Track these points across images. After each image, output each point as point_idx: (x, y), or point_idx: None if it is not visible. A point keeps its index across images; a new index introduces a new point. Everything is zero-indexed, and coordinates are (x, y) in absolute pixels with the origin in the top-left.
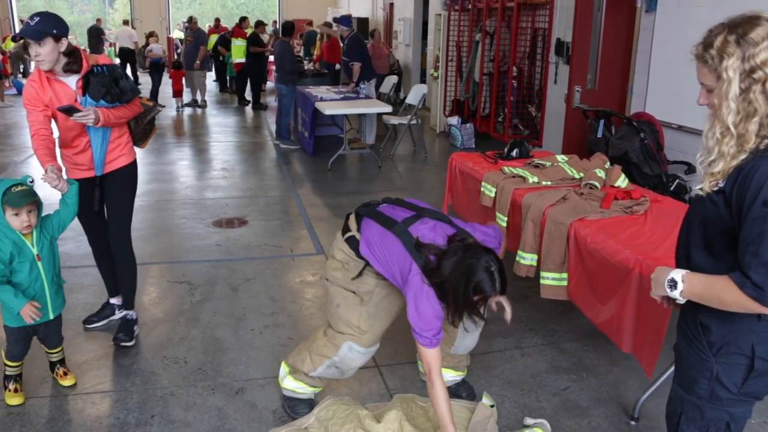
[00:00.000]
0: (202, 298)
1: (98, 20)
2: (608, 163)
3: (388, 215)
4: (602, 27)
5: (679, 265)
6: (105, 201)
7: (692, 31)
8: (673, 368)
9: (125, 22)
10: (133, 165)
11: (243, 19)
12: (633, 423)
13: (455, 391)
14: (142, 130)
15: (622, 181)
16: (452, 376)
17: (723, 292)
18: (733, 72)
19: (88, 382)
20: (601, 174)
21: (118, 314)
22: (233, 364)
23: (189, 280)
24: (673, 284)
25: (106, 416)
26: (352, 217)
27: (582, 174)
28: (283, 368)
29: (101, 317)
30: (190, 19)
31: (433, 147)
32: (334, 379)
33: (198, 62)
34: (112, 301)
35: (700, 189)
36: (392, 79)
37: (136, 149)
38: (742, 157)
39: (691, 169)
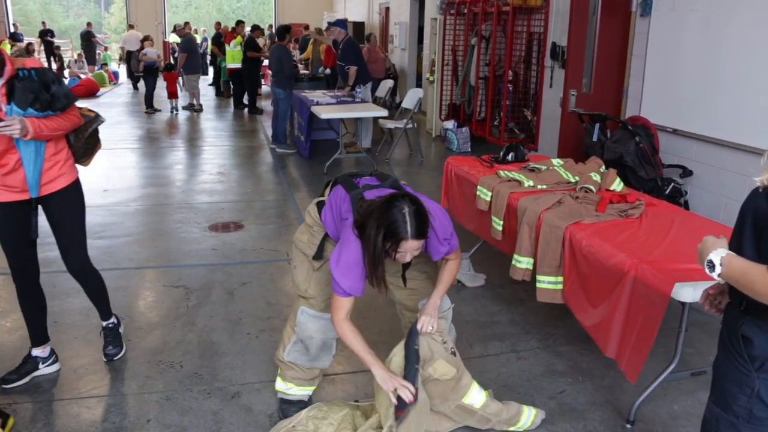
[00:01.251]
0: (197, 303)
1: (89, 24)
2: (603, 167)
3: (356, 182)
4: (597, 31)
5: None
6: (52, 229)
7: (687, 35)
8: (668, 371)
9: (131, 26)
10: (75, 185)
11: (239, 23)
12: (628, 426)
13: None
14: (83, 144)
15: (618, 185)
16: None
17: (757, 281)
18: None
19: (84, 387)
20: (597, 178)
21: (43, 368)
22: (229, 369)
23: (185, 284)
24: (712, 266)
25: (101, 421)
26: (331, 184)
27: (577, 178)
28: (279, 370)
29: (22, 374)
30: (185, 24)
31: (429, 151)
32: (310, 368)
33: (179, 69)
34: (35, 352)
35: (759, 180)
36: (388, 83)
37: (79, 167)
38: None
39: (686, 172)
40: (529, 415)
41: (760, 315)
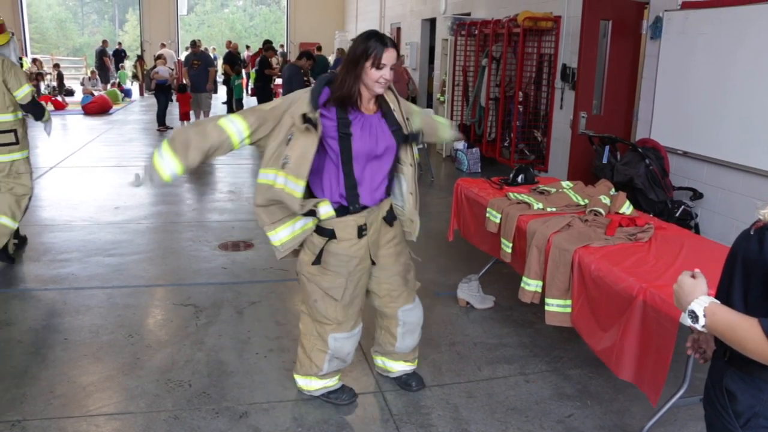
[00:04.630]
0: (207, 321)
1: (104, 42)
2: (613, 190)
3: None
4: (608, 53)
5: (719, 299)
6: None
7: (697, 58)
8: (677, 396)
9: (163, 45)
10: None
11: (268, 46)
12: None
13: (406, 381)
14: None
15: (627, 208)
16: (403, 366)
17: (747, 338)
18: None
19: (93, 405)
20: (606, 200)
21: None
22: (238, 388)
23: (194, 302)
24: (694, 317)
25: None
26: None
27: (587, 200)
28: (297, 380)
29: None
30: (194, 43)
31: (440, 171)
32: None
33: (210, 83)
34: None
35: (762, 214)
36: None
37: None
38: None
39: (696, 195)
40: None
41: (744, 367)
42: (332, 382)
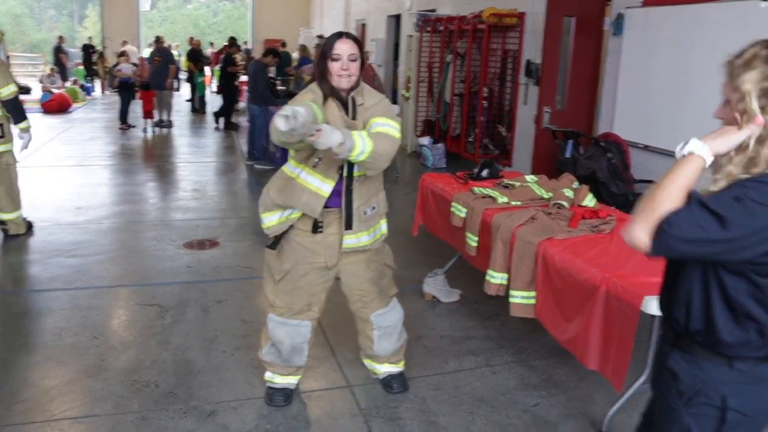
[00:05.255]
0: (172, 321)
1: (60, 38)
2: (576, 183)
3: None
4: (571, 49)
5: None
6: None
7: (657, 54)
8: (639, 383)
9: (125, 42)
10: None
11: (232, 42)
12: None
13: (388, 383)
14: None
15: (590, 201)
16: (388, 368)
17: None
18: (751, 85)
19: (57, 409)
20: (569, 194)
21: None
22: (205, 387)
23: (159, 302)
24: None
25: None
26: None
27: (550, 194)
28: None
29: None
30: (157, 39)
31: (405, 167)
32: (287, 366)
33: (170, 81)
34: None
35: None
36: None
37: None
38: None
39: None
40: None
41: (687, 348)
42: (293, 380)
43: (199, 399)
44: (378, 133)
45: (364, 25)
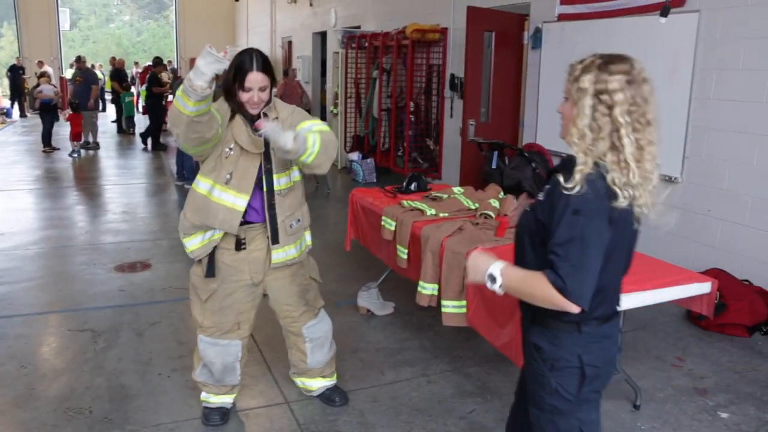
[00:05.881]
0: (105, 345)
1: None
2: (502, 193)
3: None
4: (492, 63)
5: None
6: None
7: None
8: None
9: (41, 63)
10: None
11: (157, 62)
12: None
13: (329, 397)
14: None
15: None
16: (322, 382)
17: (535, 287)
18: (588, 84)
19: None
20: (496, 204)
21: None
22: (141, 411)
23: (91, 327)
24: (493, 279)
25: None
26: None
27: (477, 204)
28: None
29: None
30: (78, 59)
31: (336, 183)
32: (221, 386)
33: (91, 101)
34: None
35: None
36: None
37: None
38: (589, 169)
39: None
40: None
41: (543, 324)
42: (229, 399)
43: (135, 423)
44: (316, 132)
45: (290, 42)
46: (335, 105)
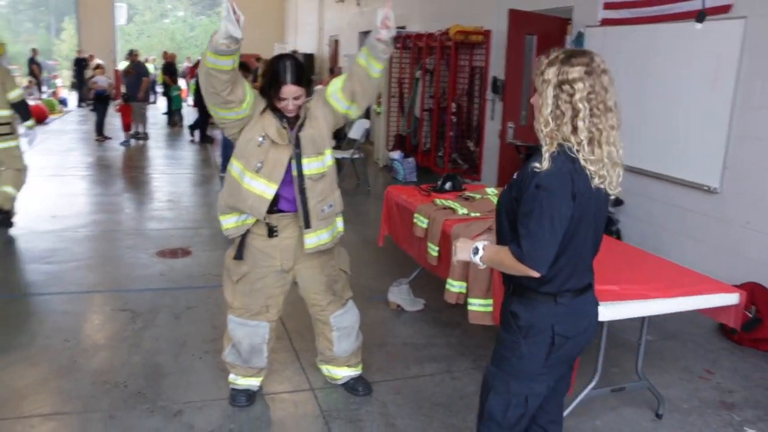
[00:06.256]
0: (143, 326)
1: (33, 51)
2: None
3: None
4: (534, 66)
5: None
6: None
7: (616, 72)
8: (589, 388)
9: (91, 57)
10: None
11: None
12: None
13: (353, 386)
14: None
15: None
16: (347, 372)
17: (504, 257)
18: (551, 76)
19: (27, 407)
20: None
21: None
22: (173, 388)
23: (132, 308)
24: (476, 251)
25: None
26: None
27: None
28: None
29: None
30: (131, 52)
31: (377, 181)
32: (248, 368)
33: (142, 93)
34: None
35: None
36: (364, 124)
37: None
38: (553, 149)
39: (617, 202)
40: None
41: (521, 294)
42: (255, 381)
43: (166, 399)
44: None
45: (337, 41)
46: (378, 104)
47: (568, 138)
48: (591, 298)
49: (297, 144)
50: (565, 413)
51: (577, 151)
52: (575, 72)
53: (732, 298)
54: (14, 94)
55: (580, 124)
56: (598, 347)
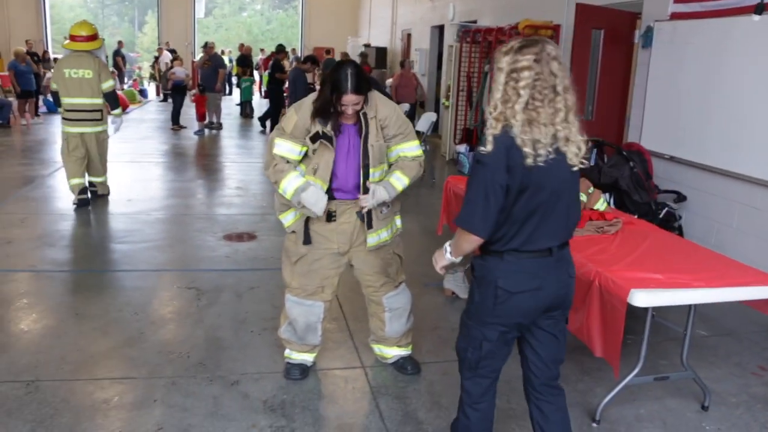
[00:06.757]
0: (207, 303)
1: (120, 43)
2: (591, 189)
3: None
4: (600, 61)
5: None
6: None
7: (685, 66)
8: (632, 375)
9: (159, 50)
10: None
11: (280, 48)
12: (594, 425)
13: (402, 365)
14: None
15: (601, 204)
16: (397, 351)
17: (457, 237)
18: (504, 65)
19: (99, 371)
20: (583, 198)
21: None
22: (231, 361)
23: (197, 286)
24: (446, 251)
25: (112, 398)
26: None
27: None
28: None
29: None
30: (205, 45)
31: (442, 173)
32: (302, 344)
33: (218, 84)
34: None
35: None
36: (431, 117)
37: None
38: (497, 131)
39: (680, 197)
40: None
41: (481, 252)
42: (309, 357)
43: (225, 370)
44: (409, 160)
45: (409, 35)
46: (447, 97)
47: (509, 120)
48: (551, 263)
49: (366, 155)
50: (607, 399)
51: (516, 131)
52: (525, 61)
53: None
54: (107, 85)
55: (518, 107)
56: (641, 337)
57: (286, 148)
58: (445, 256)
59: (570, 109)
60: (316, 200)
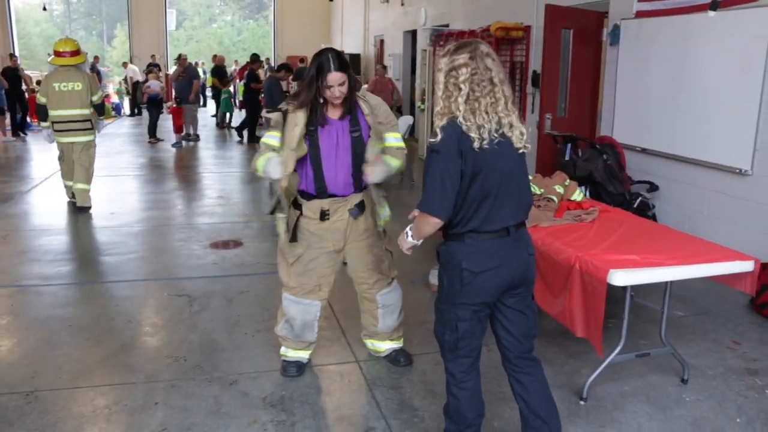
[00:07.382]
0: (199, 308)
1: (95, 58)
2: (567, 181)
3: None
4: (570, 59)
5: None
6: None
7: (651, 62)
8: (614, 354)
9: (125, 64)
10: None
11: (254, 58)
12: (582, 402)
13: (395, 357)
14: None
15: (578, 195)
16: (390, 344)
17: (419, 222)
18: (443, 65)
19: (97, 378)
20: (560, 189)
21: None
22: (228, 362)
23: (188, 293)
24: (407, 235)
25: (115, 403)
26: None
27: (542, 189)
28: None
29: None
30: (179, 57)
31: (420, 174)
32: (298, 341)
33: (192, 96)
34: None
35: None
36: (407, 120)
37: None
38: (443, 123)
39: (653, 187)
40: None
41: (444, 237)
42: (305, 354)
43: (222, 371)
44: (394, 149)
45: (382, 41)
46: (422, 101)
47: (454, 112)
48: (509, 243)
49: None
50: (592, 377)
51: (462, 120)
52: (461, 59)
53: (746, 266)
54: (97, 97)
55: (460, 99)
56: (622, 314)
57: (271, 136)
58: (407, 239)
59: (509, 98)
60: (273, 166)
